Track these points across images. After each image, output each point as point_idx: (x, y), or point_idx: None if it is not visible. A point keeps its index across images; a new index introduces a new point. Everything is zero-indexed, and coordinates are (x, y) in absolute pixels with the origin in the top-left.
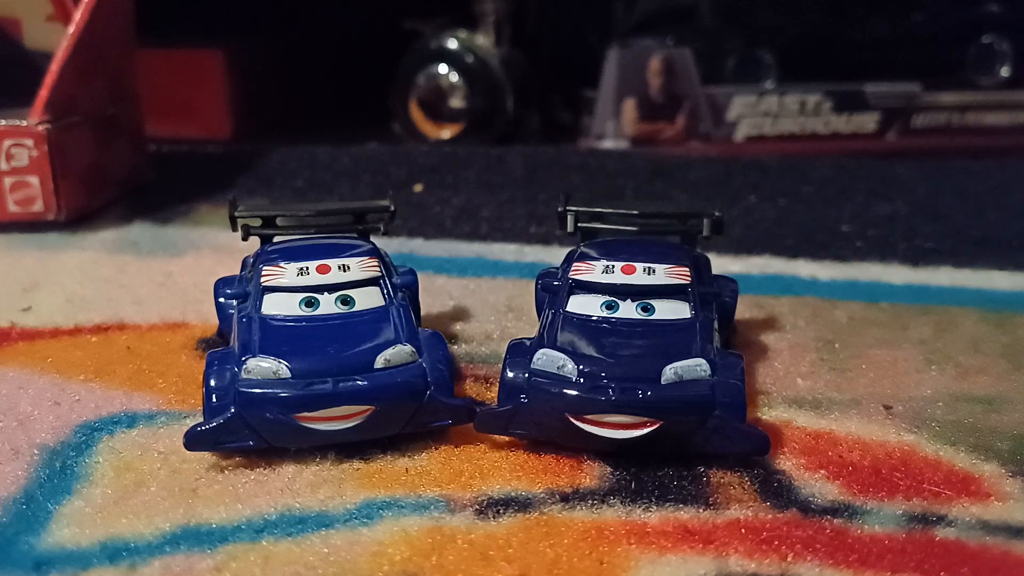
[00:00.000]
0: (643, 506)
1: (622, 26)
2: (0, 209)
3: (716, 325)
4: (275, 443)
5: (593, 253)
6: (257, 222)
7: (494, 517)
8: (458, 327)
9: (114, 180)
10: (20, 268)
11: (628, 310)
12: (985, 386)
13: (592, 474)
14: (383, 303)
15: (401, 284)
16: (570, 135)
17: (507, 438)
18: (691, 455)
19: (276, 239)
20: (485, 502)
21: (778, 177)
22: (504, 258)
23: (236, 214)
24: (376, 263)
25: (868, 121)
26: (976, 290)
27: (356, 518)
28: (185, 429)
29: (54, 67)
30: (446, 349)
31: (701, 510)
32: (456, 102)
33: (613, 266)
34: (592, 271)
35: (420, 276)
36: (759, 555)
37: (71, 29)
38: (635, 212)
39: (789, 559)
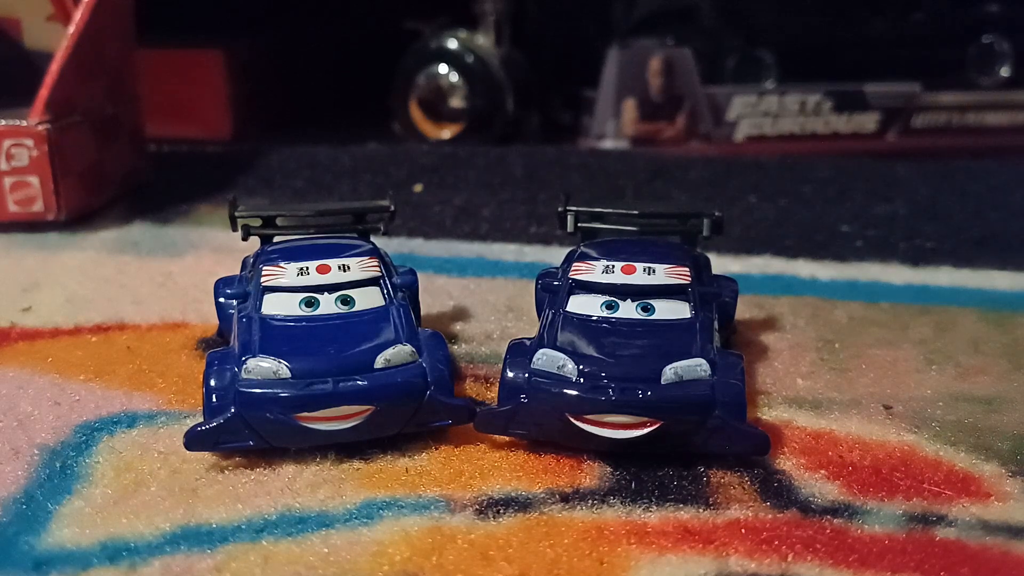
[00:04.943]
0: (643, 506)
1: (622, 26)
2: (0, 209)
3: (716, 325)
4: (275, 443)
5: (593, 253)
6: (257, 222)
7: (494, 517)
8: (458, 327)
9: (114, 180)
10: (20, 268)
11: (628, 310)
12: (985, 386)
13: (592, 474)
14: (383, 303)
15: (401, 284)
16: (570, 135)
17: (507, 438)
18: (691, 455)
19: (276, 239)
20: (485, 502)
21: (778, 177)
22: (504, 258)
23: (236, 214)
24: (376, 263)
25: (868, 121)
26: (976, 290)
27: (356, 518)
28: (185, 429)
29: (54, 67)
30: (446, 349)
31: (701, 510)
32: (456, 102)
33: (613, 266)
34: (592, 271)
35: (420, 276)
36: (759, 555)
37: (71, 29)
38: (635, 212)
39: (789, 559)
